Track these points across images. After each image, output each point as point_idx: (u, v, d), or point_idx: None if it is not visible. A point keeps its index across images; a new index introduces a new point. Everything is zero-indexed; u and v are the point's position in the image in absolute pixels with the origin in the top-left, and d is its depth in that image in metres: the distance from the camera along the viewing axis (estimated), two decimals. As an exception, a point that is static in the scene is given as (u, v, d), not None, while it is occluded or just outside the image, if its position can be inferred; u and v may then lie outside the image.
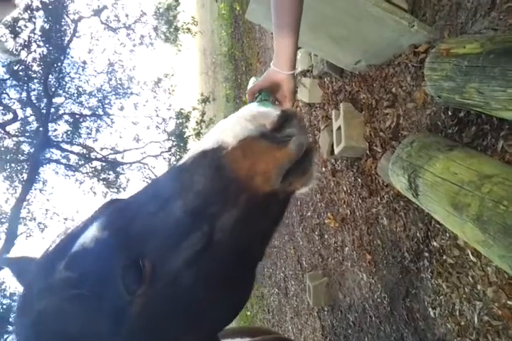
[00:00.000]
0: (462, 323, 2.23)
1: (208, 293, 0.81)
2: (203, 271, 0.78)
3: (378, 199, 3.23)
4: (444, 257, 2.41)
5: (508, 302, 1.94)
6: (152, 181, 0.91)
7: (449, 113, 2.45)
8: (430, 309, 2.52)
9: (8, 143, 11.14)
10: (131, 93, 12.59)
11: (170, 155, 12.50)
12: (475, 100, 1.94)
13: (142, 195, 0.85)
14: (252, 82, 1.56)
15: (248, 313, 8.94)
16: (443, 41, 2.37)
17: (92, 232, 0.78)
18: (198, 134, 12.41)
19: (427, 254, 2.59)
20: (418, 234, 2.69)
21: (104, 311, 0.74)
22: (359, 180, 3.56)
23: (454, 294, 2.31)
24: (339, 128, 3.58)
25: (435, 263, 2.49)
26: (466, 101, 2.03)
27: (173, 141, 12.54)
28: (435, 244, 2.50)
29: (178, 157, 12.30)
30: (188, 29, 13.28)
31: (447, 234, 2.40)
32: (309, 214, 4.86)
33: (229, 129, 0.82)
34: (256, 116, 0.83)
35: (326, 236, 4.36)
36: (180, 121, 12.46)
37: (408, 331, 2.76)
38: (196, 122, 12.54)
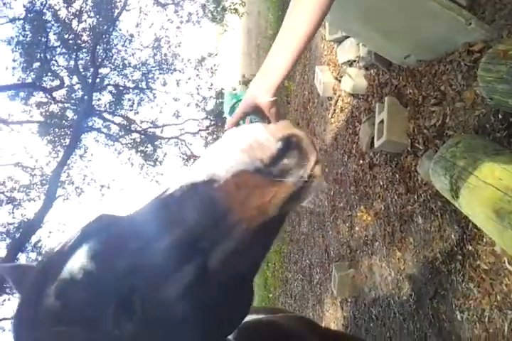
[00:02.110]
0: (491, 330, 2.21)
1: (202, 321, 0.80)
2: (197, 302, 0.77)
3: (415, 197, 3.19)
4: (478, 262, 2.37)
5: (541, 314, 1.91)
6: (141, 209, 0.85)
7: (500, 116, 2.39)
8: (458, 312, 2.50)
9: (54, 108, 11.51)
10: (175, 69, 12.64)
11: (207, 133, 12.58)
12: (530, 106, 1.88)
13: (131, 223, 0.82)
14: (226, 100, 1.44)
15: (270, 295, 9.04)
16: (501, 42, 2.30)
17: (80, 261, 0.75)
18: (234, 115, 12.39)
19: (460, 257, 2.55)
20: (453, 236, 2.66)
21: None
22: (397, 175, 3.52)
23: (484, 300, 2.28)
24: (382, 121, 3.53)
25: (468, 267, 2.46)
26: (520, 106, 1.97)
27: (211, 120, 12.60)
28: (470, 248, 2.46)
29: (215, 136, 12.36)
30: (236, 9, 13.15)
31: (484, 240, 2.36)
32: (341, 205, 4.84)
33: (222, 161, 0.77)
34: (253, 147, 0.77)
35: (356, 229, 4.35)
36: (220, 101, 12.48)
37: (432, 331, 2.74)
38: (222, 101, 12.51)
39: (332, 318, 4.82)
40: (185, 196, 0.77)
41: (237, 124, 1.27)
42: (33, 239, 9.72)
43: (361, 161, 4.35)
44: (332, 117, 5.47)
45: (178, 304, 0.75)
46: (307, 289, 6.07)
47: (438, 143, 2.92)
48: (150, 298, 0.74)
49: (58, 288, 0.74)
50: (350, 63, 4.71)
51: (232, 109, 1.37)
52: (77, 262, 0.75)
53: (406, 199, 3.33)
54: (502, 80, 2.04)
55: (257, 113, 1.25)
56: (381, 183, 3.82)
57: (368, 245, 4.00)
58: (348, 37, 4.61)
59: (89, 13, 10.99)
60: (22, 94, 10.85)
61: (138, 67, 12.35)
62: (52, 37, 10.72)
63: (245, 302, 0.90)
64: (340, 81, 5.03)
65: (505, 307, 2.12)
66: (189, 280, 0.75)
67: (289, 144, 0.78)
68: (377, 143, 3.60)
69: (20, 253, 9.30)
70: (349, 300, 4.37)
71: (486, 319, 2.24)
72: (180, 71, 12.74)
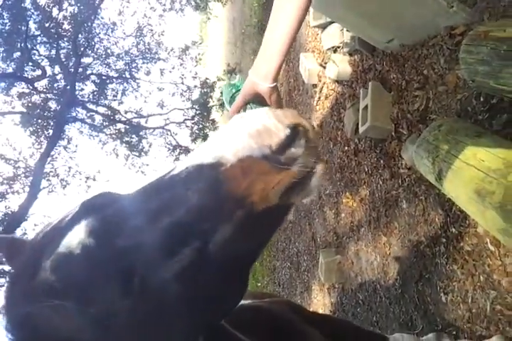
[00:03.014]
0: (474, 310, 2.24)
1: (197, 302, 0.81)
2: (194, 283, 0.78)
3: (399, 181, 3.20)
4: (462, 244, 2.39)
5: (523, 293, 1.94)
6: (144, 188, 0.85)
7: (481, 99, 2.40)
8: (442, 294, 2.53)
9: (36, 99, 11.23)
10: (158, 58, 12.49)
11: (193, 123, 12.48)
12: (511, 86, 1.89)
13: (133, 201, 0.82)
14: (226, 91, 1.44)
15: (259, 284, 9.07)
16: (482, 24, 2.30)
17: (78, 236, 0.75)
18: (222, 105, 12.34)
19: (444, 240, 2.57)
20: (437, 219, 2.68)
21: (88, 320, 0.73)
22: (381, 161, 3.53)
23: (468, 281, 2.31)
24: (366, 107, 3.53)
25: (452, 250, 2.48)
26: (500, 87, 1.97)
27: (196, 110, 12.49)
28: (454, 230, 2.48)
29: (200, 126, 12.29)
30: (220, -3, 13.04)
31: (467, 222, 2.38)
32: (327, 192, 4.85)
33: (229, 144, 0.76)
34: (261, 133, 0.76)
35: (342, 215, 4.36)
36: (205, 90, 12.39)
37: (418, 314, 2.77)
38: (221, 92, 12.43)
39: (320, 304, 4.85)
40: (191, 177, 0.77)
41: (238, 113, 1.28)
42: (19, 232, 9.60)
43: (346, 148, 4.35)
44: (317, 105, 5.46)
45: (176, 285, 0.75)
46: (295, 276, 6.10)
47: (421, 127, 2.93)
48: (148, 277, 0.74)
49: (55, 262, 0.74)
50: (335, 49, 4.69)
51: (232, 99, 1.36)
52: (76, 237, 0.75)
53: (391, 184, 3.34)
54: (483, 62, 2.03)
55: (257, 100, 1.26)
56: (366, 169, 3.83)
57: (354, 231, 4.02)
58: (333, 22, 4.59)
59: (70, 0, 10.78)
60: (3, 84, 10.64)
61: (121, 56, 12.19)
62: (32, 25, 10.46)
63: (240, 288, 0.91)
64: (325, 67, 5.01)
65: (488, 287, 2.14)
66: (188, 262, 0.75)
67: (296, 132, 0.78)
68: (361, 129, 3.60)
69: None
70: (336, 286, 4.40)
71: (470, 299, 2.27)
72: (164, 60, 12.63)
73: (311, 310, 4.72)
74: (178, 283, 0.75)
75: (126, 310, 0.73)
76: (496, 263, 2.11)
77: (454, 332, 2.38)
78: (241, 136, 0.76)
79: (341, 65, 4.43)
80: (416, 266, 2.86)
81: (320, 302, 4.85)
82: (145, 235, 0.75)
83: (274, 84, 1.22)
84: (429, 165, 2.22)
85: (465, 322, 2.30)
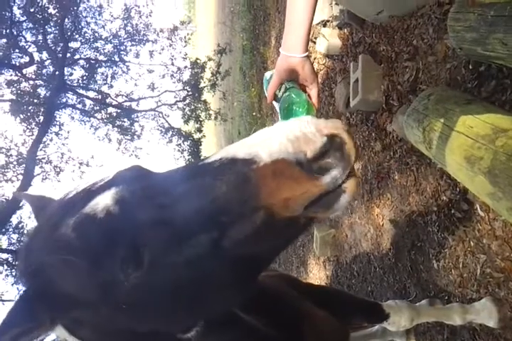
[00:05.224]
0: (464, 275, 2.29)
1: (201, 291, 0.84)
2: (201, 272, 0.80)
3: (391, 153, 3.22)
4: (453, 211, 2.43)
5: (512, 255, 1.98)
6: (175, 170, 0.88)
7: (470, 67, 2.41)
8: (434, 261, 2.57)
9: (25, 86, 11.05)
10: (147, 40, 12.32)
11: (184, 105, 12.41)
12: (498, 52, 1.89)
13: (162, 180, 0.85)
14: (268, 76, 1.46)
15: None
16: (470, -9, 2.29)
17: (105, 201, 0.79)
18: (214, 85, 12.25)
19: (435, 208, 2.61)
20: (428, 188, 2.71)
21: (96, 283, 0.78)
22: (373, 134, 3.55)
23: (459, 247, 2.35)
24: (356, 80, 3.53)
25: (443, 217, 2.52)
26: (488, 54, 1.98)
27: (187, 91, 12.40)
28: (444, 198, 2.52)
29: (192, 107, 12.21)
30: (207, -25, 12.84)
31: (457, 189, 2.41)
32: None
33: (266, 145, 0.77)
34: (299, 139, 0.75)
35: (336, 190, 4.38)
36: (196, 71, 12.27)
37: (411, 282, 2.83)
38: (212, 73, 12.30)
39: (316, 278, 4.92)
40: (222, 168, 0.77)
41: (275, 96, 1.31)
42: (14, 220, 9.57)
43: (338, 122, 4.35)
44: (308, 80, 5.44)
45: (184, 269, 0.78)
46: (290, 252, 6.16)
47: (411, 98, 2.93)
48: (159, 255, 0.77)
49: (78, 221, 0.78)
50: (324, 23, 4.66)
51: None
52: (103, 202, 0.79)
53: (382, 156, 3.36)
54: (470, 28, 2.04)
55: (292, 77, 1.25)
56: (358, 143, 3.84)
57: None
58: None
59: (54, -16, 10.56)
60: (-10, 72, 10.49)
61: (109, 39, 12.01)
62: (16, 11, 10.22)
63: (244, 287, 0.92)
64: (315, 42, 4.99)
65: (478, 252, 2.19)
66: (201, 250, 0.77)
67: (332, 143, 0.76)
68: (352, 103, 3.61)
69: (1, 236, 9.23)
70: (331, 259, 4.45)
71: (460, 265, 2.32)
72: (152, 41, 12.45)
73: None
74: (187, 268, 0.78)
75: (132, 282, 0.77)
76: (485, 228, 2.15)
77: (446, 297, 2.43)
78: (279, 138, 0.76)
79: (331, 39, 4.40)
80: (408, 236, 2.90)
81: (315, 276, 4.92)
82: (166, 215, 0.77)
83: (305, 54, 1.21)
84: (420, 134, 2.24)
85: (456, 286, 2.35)
